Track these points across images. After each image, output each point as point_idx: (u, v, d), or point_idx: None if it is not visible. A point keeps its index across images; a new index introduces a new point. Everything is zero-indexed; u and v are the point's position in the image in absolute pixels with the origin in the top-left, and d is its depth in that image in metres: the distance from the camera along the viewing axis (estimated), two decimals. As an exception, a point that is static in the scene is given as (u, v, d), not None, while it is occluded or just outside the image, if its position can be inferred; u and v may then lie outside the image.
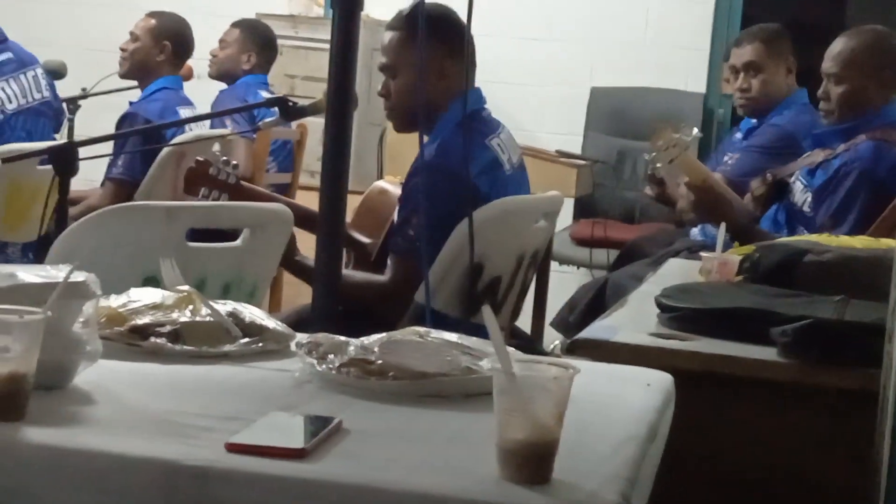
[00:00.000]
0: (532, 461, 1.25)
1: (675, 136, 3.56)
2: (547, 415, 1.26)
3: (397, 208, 3.15)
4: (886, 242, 2.71)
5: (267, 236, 2.71)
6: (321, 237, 2.47)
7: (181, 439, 1.32)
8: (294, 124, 5.17)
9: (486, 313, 1.33)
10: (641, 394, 1.66)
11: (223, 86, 5.58)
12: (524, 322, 3.79)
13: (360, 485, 1.23)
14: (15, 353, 1.34)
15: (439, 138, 3.09)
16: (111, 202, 4.04)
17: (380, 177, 5.00)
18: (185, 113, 4.87)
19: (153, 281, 2.02)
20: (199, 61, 5.40)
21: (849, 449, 2.01)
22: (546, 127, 6.20)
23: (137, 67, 5.05)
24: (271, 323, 1.81)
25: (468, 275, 2.93)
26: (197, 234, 2.60)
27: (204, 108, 5.20)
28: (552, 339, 3.99)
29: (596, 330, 2.20)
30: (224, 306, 1.81)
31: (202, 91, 5.46)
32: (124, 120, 4.82)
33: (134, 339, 1.69)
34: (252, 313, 1.82)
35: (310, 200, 3.28)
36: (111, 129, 4.63)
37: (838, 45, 3.73)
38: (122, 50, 5.07)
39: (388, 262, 3.11)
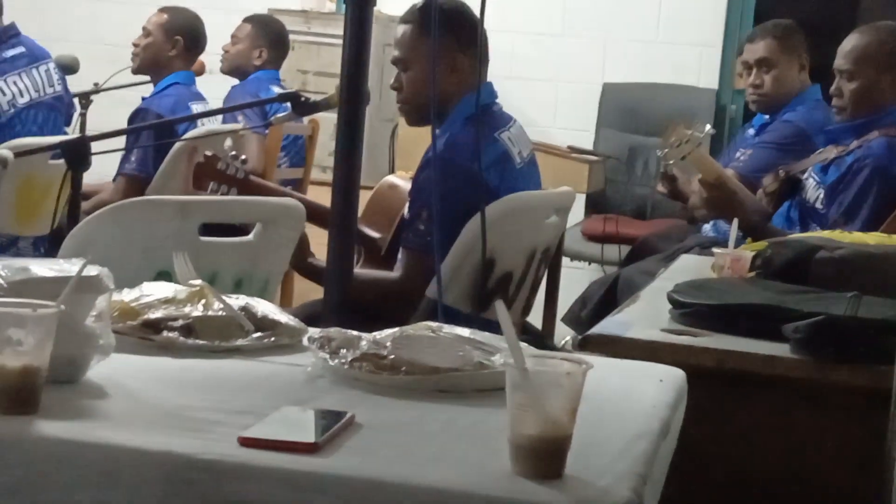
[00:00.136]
0: (544, 456, 1.25)
1: (687, 132, 3.56)
2: (560, 410, 1.26)
3: (408, 203, 3.16)
4: (899, 239, 2.70)
5: (279, 231, 2.71)
6: (333, 232, 2.46)
7: (194, 433, 1.32)
8: (306, 119, 5.17)
9: (500, 308, 1.33)
10: (654, 390, 1.66)
11: (235, 81, 5.59)
12: (535, 318, 3.79)
13: (372, 479, 1.23)
14: (28, 347, 1.34)
15: (449, 132, 3.09)
16: (123, 197, 4.03)
17: (391, 172, 5.00)
18: (196, 108, 4.88)
19: (166, 275, 2.02)
20: (211, 56, 5.41)
21: (861, 446, 2.00)
22: (558, 123, 6.20)
23: (149, 63, 5.05)
24: (284, 317, 1.81)
25: (480, 270, 2.93)
26: (209, 229, 2.60)
27: (216, 103, 5.21)
28: (563, 334, 3.99)
29: (608, 326, 2.20)
30: (236, 301, 1.81)
31: (214, 86, 5.47)
32: (136, 115, 4.83)
33: (146, 334, 1.69)
34: (264, 308, 1.82)
35: (321, 196, 3.28)
36: (123, 124, 4.63)
37: (851, 42, 3.72)
38: (135, 45, 5.08)
39: (399, 257, 3.11)
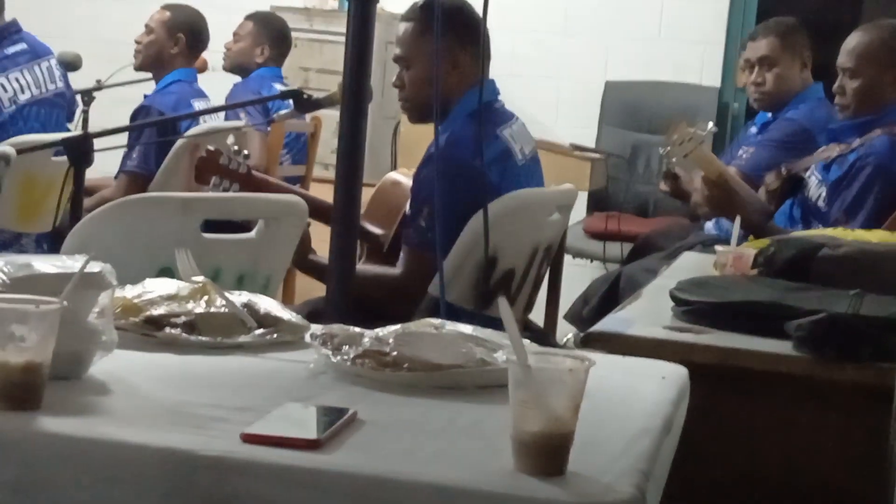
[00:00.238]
0: (547, 453, 1.25)
1: (689, 130, 3.56)
2: (562, 407, 1.26)
3: (409, 200, 3.16)
4: (902, 237, 2.70)
5: (282, 228, 2.71)
6: (336, 229, 2.47)
7: (196, 430, 1.32)
8: (308, 117, 5.17)
9: (502, 305, 1.33)
10: (656, 387, 1.66)
11: (237, 78, 5.59)
12: (537, 315, 3.79)
13: (375, 476, 1.23)
14: (31, 343, 1.34)
15: (450, 129, 3.09)
16: (125, 195, 4.02)
17: (394, 169, 4.99)
18: (199, 105, 4.88)
19: (168, 272, 2.03)
20: (213, 54, 5.41)
21: (863, 444, 2.00)
22: (561, 121, 6.19)
23: (152, 60, 5.05)
24: (286, 314, 1.81)
25: (482, 268, 2.93)
26: (212, 226, 2.60)
27: (218, 100, 5.20)
28: (565, 332, 3.99)
29: (610, 323, 2.20)
30: (239, 297, 1.81)
31: (217, 84, 5.47)
32: (139, 112, 4.83)
33: (149, 330, 1.70)
34: (267, 304, 1.82)
35: (323, 193, 3.29)
36: (125, 122, 4.63)
37: (854, 40, 3.72)
38: (137, 42, 5.08)
39: (401, 254, 3.11)
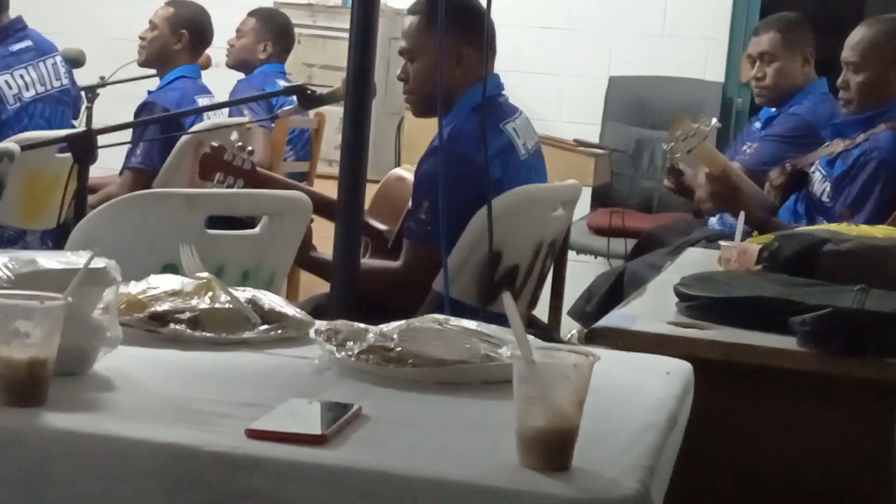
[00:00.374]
0: (552, 449, 1.25)
1: (693, 125, 3.56)
2: (567, 402, 1.26)
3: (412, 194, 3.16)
4: (907, 232, 2.70)
5: (286, 224, 2.71)
6: (340, 226, 2.47)
7: (201, 425, 1.32)
8: (312, 113, 5.17)
9: (507, 300, 1.33)
10: (661, 382, 1.66)
11: (241, 75, 5.59)
12: (541, 311, 3.79)
13: (379, 471, 1.23)
14: (36, 339, 1.34)
15: (453, 123, 3.09)
16: (130, 191, 4.04)
17: (397, 165, 5.00)
18: (203, 102, 4.88)
19: (172, 268, 2.03)
20: (217, 50, 5.41)
21: (867, 438, 2.00)
22: (564, 116, 6.19)
23: (155, 56, 5.05)
24: (290, 310, 1.81)
25: (486, 263, 2.93)
26: (216, 222, 2.60)
27: (222, 96, 5.21)
28: (569, 328, 3.99)
29: (615, 318, 2.20)
30: (243, 293, 1.81)
31: (221, 80, 5.47)
32: (143, 109, 4.83)
33: (153, 326, 1.70)
34: (271, 300, 1.82)
35: (327, 189, 3.29)
36: (129, 118, 4.63)
37: (858, 34, 3.72)
38: (141, 39, 5.08)
39: (403, 247, 3.12)
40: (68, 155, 2.96)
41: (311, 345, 1.72)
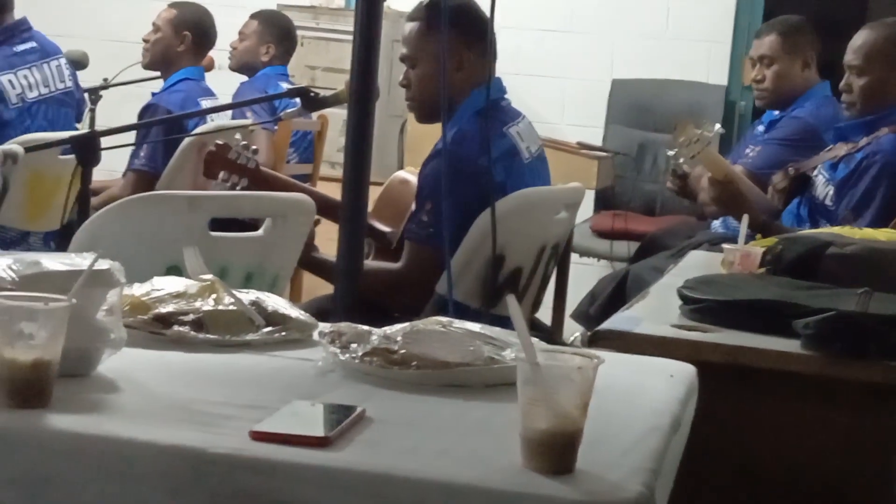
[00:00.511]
0: (555, 451, 1.25)
1: (696, 131, 3.56)
2: (571, 405, 1.26)
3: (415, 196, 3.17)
4: (910, 235, 2.70)
5: (289, 226, 2.71)
6: (343, 228, 2.47)
7: (205, 427, 1.32)
8: (315, 115, 5.17)
9: (511, 303, 1.33)
10: (664, 385, 1.66)
11: (244, 77, 5.59)
12: (544, 314, 3.79)
13: (383, 473, 1.24)
14: (40, 341, 1.34)
15: (456, 127, 3.10)
16: (133, 193, 4.04)
17: (400, 168, 5.00)
18: (206, 104, 4.88)
19: (176, 270, 2.03)
20: (220, 52, 5.41)
21: (871, 441, 2.00)
22: (567, 119, 6.19)
23: (159, 58, 5.06)
24: (294, 312, 1.81)
25: (489, 266, 2.94)
26: (219, 224, 2.60)
27: (225, 98, 5.21)
28: (572, 331, 3.98)
29: (618, 321, 2.20)
30: (247, 295, 1.81)
31: (224, 82, 5.47)
32: (146, 111, 4.83)
33: (157, 328, 1.70)
34: (275, 302, 1.82)
35: (330, 191, 3.29)
36: (133, 120, 4.64)
37: (861, 38, 3.72)
38: (144, 41, 5.09)
39: (404, 249, 3.12)
40: (72, 157, 2.96)
41: (314, 347, 1.72)
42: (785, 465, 2.04)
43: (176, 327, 1.70)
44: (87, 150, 2.89)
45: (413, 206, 3.14)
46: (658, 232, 4.67)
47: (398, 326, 1.67)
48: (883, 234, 2.72)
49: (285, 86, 5.22)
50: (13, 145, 3.33)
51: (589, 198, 5.56)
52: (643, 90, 6.17)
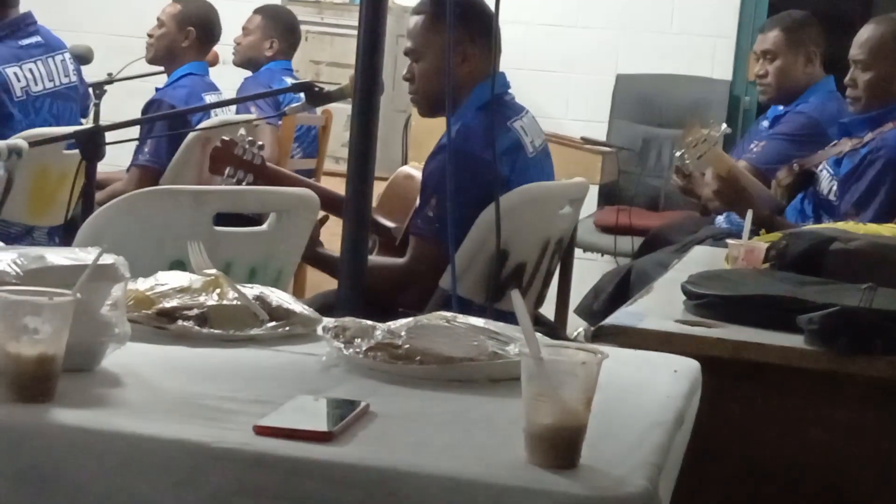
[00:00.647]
0: (560, 446, 1.25)
1: (703, 132, 3.57)
2: (575, 400, 1.26)
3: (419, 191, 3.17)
4: (914, 231, 2.69)
5: (293, 221, 2.71)
6: (347, 222, 2.47)
7: (209, 422, 1.32)
8: (319, 110, 5.17)
9: (515, 298, 1.33)
10: (668, 380, 1.66)
11: (248, 72, 5.59)
12: (548, 309, 3.79)
13: (387, 468, 1.24)
14: (44, 335, 1.34)
15: (460, 121, 3.10)
16: (137, 188, 4.04)
17: (404, 163, 5.00)
18: (210, 99, 4.88)
19: (180, 265, 2.03)
20: (225, 47, 5.41)
21: (876, 437, 2.00)
22: (571, 114, 6.19)
23: (163, 53, 5.06)
24: (298, 307, 1.81)
25: (493, 261, 2.94)
26: (223, 219, 2.60)
27: (230, 94, 5.21)
28: (576, 326, 3.99)
29: (622, 316, 2.20)
30: (251, 290, 1.81)
31: (228, 77, 5.47)
32: (150, 106, 4.84)
33: (161, 323, 1.70)
34: (279, 297, 1.82)
35: (334, 186, 3.29)
36: (137, 115, 4.64)
37: (866, 32, 3.72)
38: (149, 36, 5.09)
39: (409, 244, 3.12)
40: (76, 151, 2.96)
41: (318, 342, 1.72)
42: (789, 460, 2.04)
43: (180, 322, 1.70)
44: (91, 144, 2.89)
45: (418, 202, 3.14)
46: (662, 227, 4.67)
47: (402, 321, 1.67)
48: (887, 230, 2.72)
49: (289, 81, 5.22)
50: (18, 140, 3.33)
51: (593, 193, 5.56)
52: (648, 85, 6.17)
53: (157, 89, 5.02)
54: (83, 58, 4.91)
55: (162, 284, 1.77)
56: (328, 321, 1.76)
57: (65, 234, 4.03)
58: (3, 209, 3.74)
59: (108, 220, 2.44)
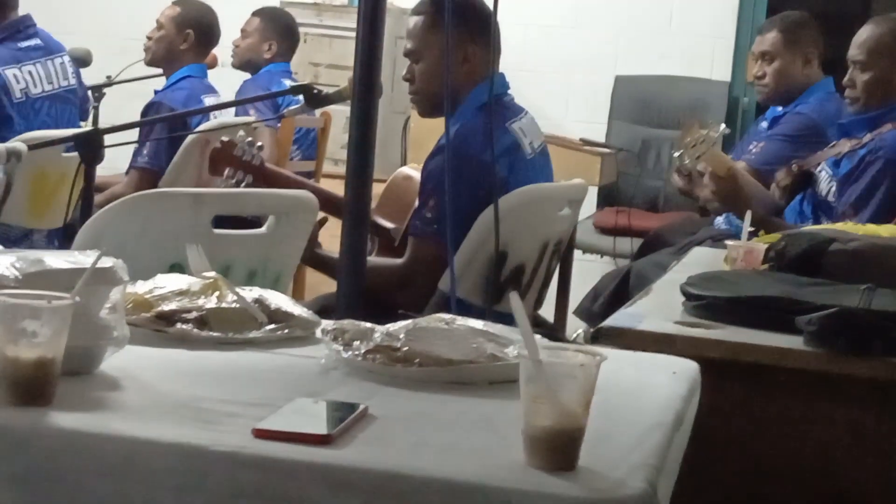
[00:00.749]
0: (558, 448, 1.25)
1: (702, 132, 3.56)
2: (573, 402, 1.26)
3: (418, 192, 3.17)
4: (913, 231, 2.69)
5: (292, 224, 2.71)
6: (346, 224, 2.47)
7: (208, 425, 1.32)
8: (318, 112, 5.17)
9: (514, 300, 1.33)
10: (667, 381, 1.66)
11: (247, 74, 5.59)
12: (547, 311, 3.79)
13: (386, 471, 1.24)
14: (43, 338, 1.34)
15: (460, 122, 3.10)
16: (136, 190, 4.04)
17: (403, 164, 5.00)
18: (209, 101, 4.88)
19: (179, 267, 2.03)
20: (224, 50, 5.41)
21: (875, 438, 2.00)
22: (570, 115, 6.19)
23: (162, 56, 5.06)
24: (297, 309, 1.81)
25: (492, 263, 2.93)
26: (222, 221, 2.60)
27: (228, 96, 5.21)
28: (575, 327, 3.98)
29: (621, 318, 2.20)
30: (250, 293, 1.81)
31: (227, 79, 5.47)
32: (149, 109, 4.84)
33: (160, 325, 1.70)
34: (278, 300, 1.82)
35: (333, 188, 3.29)
36: (136, 117, 4.64)
37: (864, 33, 3.72)
38: (148, 38, 5.09)
39: (408, 245, 3.12)
40: (75, 154, 2.96)
41: (317, 344, 1.72)
42: (788, 461, 2.03)
43: (179, 325, 1.70)
44: (90, 147, 2.89)
45: (416, 203, 3.14)
46: (661, 228, 4.67)
47: (401, 324, 1.67)
48: (886, 230, 2.72)
49: (288, 83, 5.21)
50: (17, 143, 3.33)
51: (592, 194, 5.57)
52: (647, 86, 6.17)
53: (155, 92, 5.02)
54: (82, 60, 4.91)
55: (161, 287, 1.77)
56: (327, 324, 1.76)
57: (64, 237, 4.03)
58: (2, 212, 3.74)
59: (106, 223, 2.44)
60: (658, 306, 2.33)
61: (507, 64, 3.27)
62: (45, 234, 4.18)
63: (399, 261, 3.13)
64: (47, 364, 1.35)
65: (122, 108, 4.90)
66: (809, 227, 3.05)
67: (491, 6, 2.82)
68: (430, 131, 3.53)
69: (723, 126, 3.67)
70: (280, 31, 5.60)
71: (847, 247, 2.46)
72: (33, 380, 1.34)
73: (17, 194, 3.77)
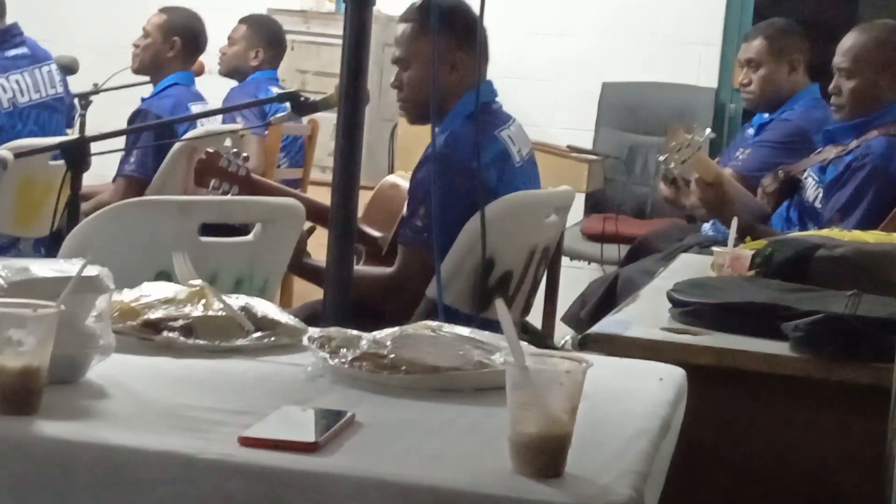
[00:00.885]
0: (545, 455, 1.25)
1: (687, 136, 3.57)
2: (560, 409, 1.26)
3: (407, 201, 3.16)
4: (899, 237, 2.70)
5: (279, 231, 2.71)
6: (333, 232, 2.47)
7: (194, 433, 1.32)
8: (305, 120, 5.17)
9: (500, 307, 1.33)
10: (654, 388, 1.66)
11: (234, 82, 5.59)
12: (535, 317, 3.79)
13: (373, 478, 1.24)
14: (28, 347, 1.34)
15: (448, 130, 3.10)
16: (123, 198, 4.03)
17: (391, 172, 5.00)
18: (196, 109, 4.87)
19: (165, 276, 2.02)
20: (211, 57, 5.40)
21: (861, 444, 2.00)
22: (557, 122, 6.20)
23: (149, 63, 5.05)
24: (284, 317, 1.81)
25: (480, 270, 2.94)
26: (209, 229, 2.60)
27: (216, 103, 5.20)
28: (563, 334, 3.98)
29: (608, 324, 2.20)
30: (236, 301, 1.81)
31: (214, 87, 5.47)
32: (136, 116, 4.83)
33: (147, 334, 1.70)
34: (264, 308, 1.82)
35: (321, 196, 3.28)
36: (123, 125, 4.63)
37: (850, 40, 3.73)
38: (134, 46, 5.08)
39: (398, 253, 3.12)
40: (61, 162, 2.96)
41: (304, 352, 1.72)
42: (775, 467, 2.04)
43: (165, 333, 1.70)
44: (76, 155, 2.89)
45: (405, 211, 3.14)
46: (648, 235, 4.67)
47: (387, 331, 1.67)
48: (871, 236, 2.73)
49: (275, 90, 5.21)
50: (3, 151, 3.33)
51: (579, 201, 5.57)
52: (633, 93, 6.18)
53: (142, 99, 5.01)
54: (68, 68, 4.91)
55: (147, 295, 1.77)
56: (314, 331, 1.76)
57: (51, 245, 4.02)
58: (-11, 220, 3.75)
59: (93, 231, 2.44)
60: (645, 313, 2.33)
61: (495, 71, 3.27)
62: (32, 242, 4.18)
63: (389, 269, 3.12)
64: (32, 373, 1.34)
65: (108, 115, 4.89)
66: (796, 234, 3.05)
67: (477, 13, 2.82)
68: (418, 139, 3.53)
69: (708, 130, 3.67)
70: (267, 39, 5.60)
71: (833, 253, 2.47)
72: (18, 389, 1.34)
73: (3, 202, 3.77)
